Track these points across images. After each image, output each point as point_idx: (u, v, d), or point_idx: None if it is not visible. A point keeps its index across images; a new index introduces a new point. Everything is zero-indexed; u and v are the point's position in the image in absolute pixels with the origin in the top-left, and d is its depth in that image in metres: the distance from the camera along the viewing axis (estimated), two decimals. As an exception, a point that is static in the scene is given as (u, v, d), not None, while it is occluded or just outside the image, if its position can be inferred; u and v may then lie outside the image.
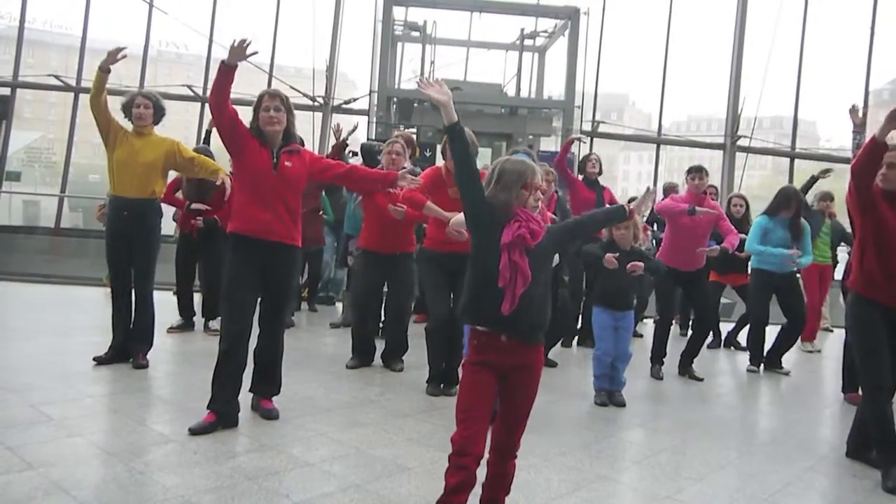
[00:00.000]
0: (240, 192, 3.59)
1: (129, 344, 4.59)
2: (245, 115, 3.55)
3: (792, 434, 4.16)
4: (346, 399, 4.15)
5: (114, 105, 4.48)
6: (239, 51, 3.31)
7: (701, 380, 5.38)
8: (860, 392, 3.67)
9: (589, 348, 5.40)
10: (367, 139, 10.18)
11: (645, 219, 7.98)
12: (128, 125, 4.52)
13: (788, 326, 5.96)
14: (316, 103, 11.70)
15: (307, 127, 11.15)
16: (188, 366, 4.80)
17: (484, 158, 9.14)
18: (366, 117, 11.32)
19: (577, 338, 6.50)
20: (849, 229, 7.06)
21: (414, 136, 7.91)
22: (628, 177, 53.55)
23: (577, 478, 3.11)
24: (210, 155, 5.79)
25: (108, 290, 4.83)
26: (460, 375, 2.45)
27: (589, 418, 4.17)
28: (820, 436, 4.32)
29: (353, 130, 6.76)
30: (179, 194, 5.79)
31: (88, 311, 4.58)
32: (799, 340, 6.61)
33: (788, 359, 6.07)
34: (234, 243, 3.53)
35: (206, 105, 10.49)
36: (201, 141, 7.34)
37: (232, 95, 3.43)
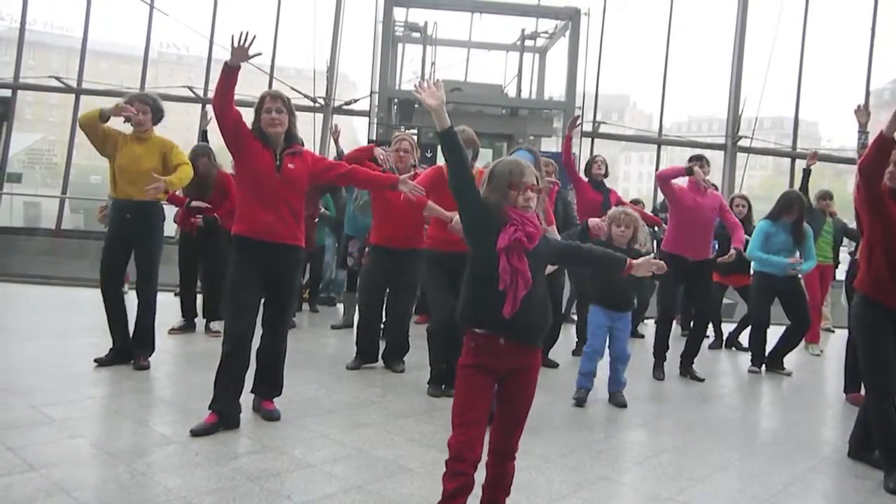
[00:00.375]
0: (242, 195, 3.59)
1: (130, 348, 4.59)
2: (245, 115, 3.55)
3: (794, 435, 4.16)
4: (348, 400, 4.15)
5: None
6: (241, 51, 3.30)
7: (702, 380, 5.38)
8: (862, 393, 3.67)
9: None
10: (368, 141, 10.18)
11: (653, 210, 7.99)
12: (126, 128, 4.53)
13: (793, 328, 5.96)
14: (317, 104, 11.71)
15: (308, 128, 11.15)
16: (189, 367, 4.80)
17: (485, 159, 9.13)
18: (366, 118, 11.33)
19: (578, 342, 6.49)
20: (850, 225, 7.08)
21: (415, 137, 7.92)
22: (629, 177, 53.49)
23: (579, 478, 3.11)
24: (210, 152, 5.82)
25: (122, 292, 4.76)
26: None
27: (590, 419, 4.17)
28: (822, 436, 4.32)
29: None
30: (180, 192, 5.80)
31: (89, 312, 4.58)
32: (804, 343, 6.60)
33: (790, 359, 6.06)
34: (237, 245, 3.53)
35: (207, 106, 10.52)
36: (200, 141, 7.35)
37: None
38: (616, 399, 4.47)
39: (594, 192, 6.25)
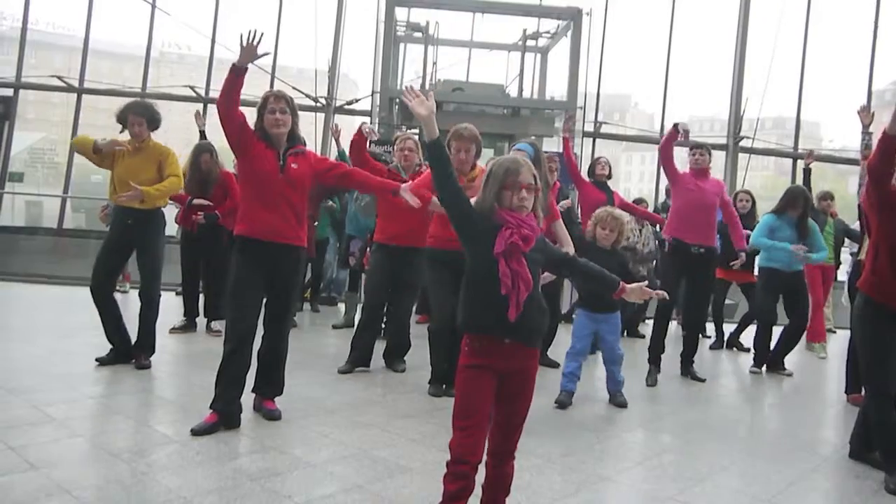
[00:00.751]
0: (245, 195, 3.59)
1: (130, 348, 4.60)
2: (246, 115, 3.55)
3: (794, 435, 4.16)
4: (349, 400, 4.16)
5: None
6: (250, 50, 3.29)
7: (703, 380, 5.37)
8: (863, 393, 3.67)
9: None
10: (369, 141, 10.16)
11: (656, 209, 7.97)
12: (124, 135, 4.56)
13: (791, 327, 5.93)
14: (318, 104, 11.71)
15: (309, 128, 11.15)
16: (190, 366, 4.81)
17: (486, 159, 9.13)
18: (368, 118, 11.32)
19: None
20: (852, 226, 7.07)
21: (416, 138, 7.92)
22: (630, 177, 53.53)
23: (580, 478, 3.11)
24: (213, 149, 5.83)
25: (113, 293, 4.73)
26: None
27: (591, 419, 4.17)
28: (823, 437, 4.31)
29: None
30: (181, 189, 5.80)
31: (91, 311, 4.57)
32: (806, 341, 6.58)
33: (791, 360, 6.05)
34: (239, 245, 3.54)
35: (208, 106, 10.52)
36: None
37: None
38: (616, 399, 4.47)
39: (598, 192, 6.27)
